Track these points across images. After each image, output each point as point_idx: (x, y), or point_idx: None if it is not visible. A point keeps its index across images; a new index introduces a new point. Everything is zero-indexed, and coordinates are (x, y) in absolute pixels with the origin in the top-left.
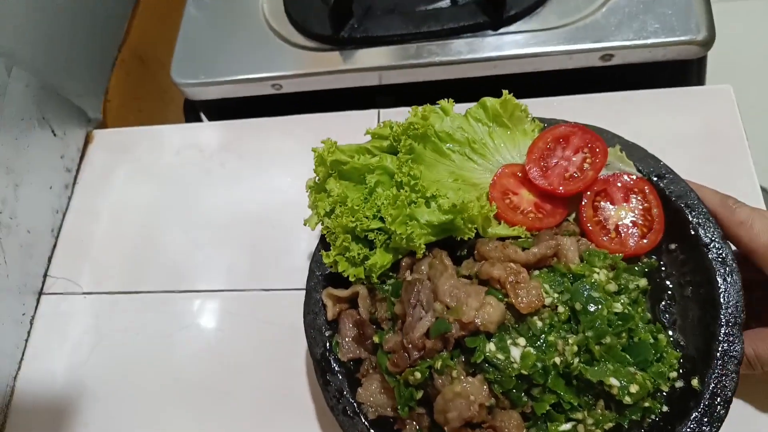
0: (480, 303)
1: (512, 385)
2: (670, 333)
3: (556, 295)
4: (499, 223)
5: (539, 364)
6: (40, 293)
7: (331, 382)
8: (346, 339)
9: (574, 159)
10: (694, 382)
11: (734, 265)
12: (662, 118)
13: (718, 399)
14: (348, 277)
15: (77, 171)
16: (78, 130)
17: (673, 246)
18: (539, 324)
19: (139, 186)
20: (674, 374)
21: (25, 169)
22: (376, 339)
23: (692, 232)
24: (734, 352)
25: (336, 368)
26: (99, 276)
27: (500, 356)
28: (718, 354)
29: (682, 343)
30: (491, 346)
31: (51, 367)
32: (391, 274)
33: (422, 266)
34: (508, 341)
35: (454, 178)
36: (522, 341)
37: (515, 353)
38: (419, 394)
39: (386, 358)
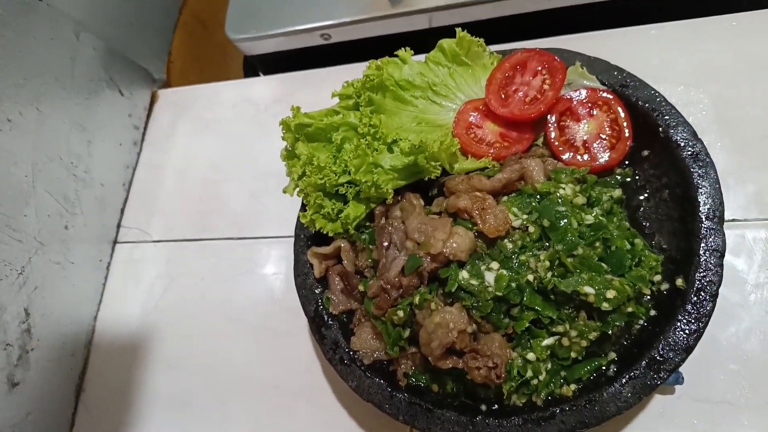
0: (447, 234)
1: (490, 309)
2: (656, 238)
3: (525, 216)
4: (467, 158)
5: (513, 284)
6: (115, 242)
7: (326, 336)
8: (336, 293)
9: (533, 82)
10: (679, 281)
11: (708, 159)
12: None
13: (703, 294)
14: (327, 233)
15: (145, 128)
16: (144, 90)
17: (645, 152)
18: (510, 246)
19: (201, 141)
20: (658, 277)
21: (97, 127)
22: (361, 287)
23: (663, 135)
24: (716, 246)
25: (329, 322)
26: (167, 225)
27: (474, 282)
28: (701, 250)
29: (664, 246)
30: (464, 274)
31: (126, 308)
32: (368, 224)
33: (395, 211)
34: (482, 267)
35: (418, 122)
36: (495, 265)
37: (489, 277)
38: (407, 333)
39: (372, 303)
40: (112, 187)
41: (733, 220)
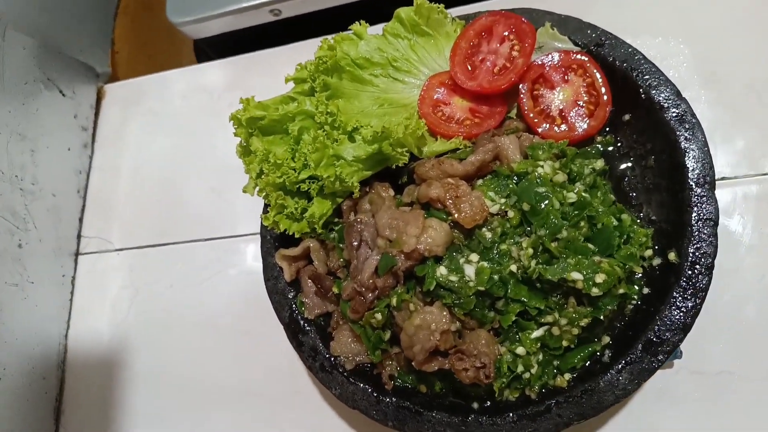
0: (420, 228)
1: (473, 304)
2: (644, 210)
3: (503, 201)
4: (436, 140)
5: (496, 277)
6: (77, 254)
7: (303, 343)
8: (309, 296)
9: (501, 50)
10: (671, 255)
11: (694, 120)
12: None
13: (698, 267)
14: (293, 234)
15: (94, 129)
16: (88, 87)
17: (627, 117)
18: (489, 235)
19: (154, 137)
20: (649, 252)
21: (39, 134)
22: (335, 289)
23: (644, 97)
24: (708, 214)
25: (306, 327)
26: (128, 232)
27: (453, 278)
28: (693, 220)
29: (653, 218)
30: (442, 270)
31: (97, 323)
32: (336, 220)
33: (364, 204)
34: (461, 260)
35: (380, 103)
36: (474, 257)
37: (469, 271)
38: (387, 335)
39: (348, 306)
40: (65, 195)
41: (722, 179)
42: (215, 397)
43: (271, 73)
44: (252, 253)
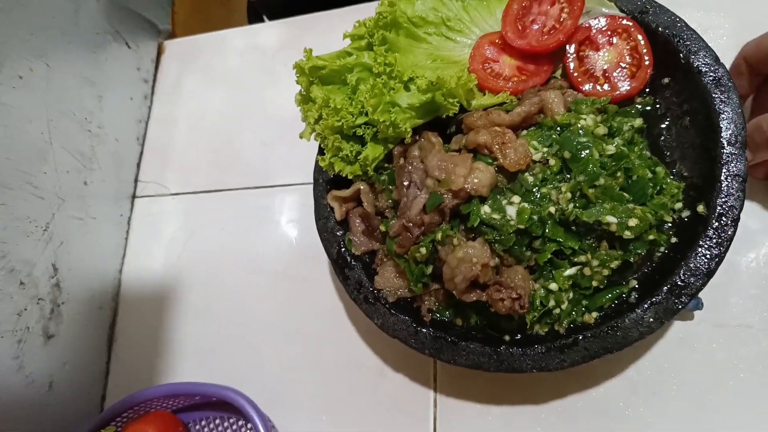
0: (468, 170)
1: (512, 242)
2: (678, 166)
3: (545, 149)
4: (484, 94)
5: (535, 217)
6: (134, 197)
7: (349, 277)
8: (357, 234)
9: (551, 12)
10: (700, 208)
11: (730, 84)
12: None
13: (725, 219)
14: (346, 176)
15: (154, 81)
16: (150, 42)
17: (666, 80)
18: (530, 179)
19: (210, 92)
20: (679, 204)
21: (107, 82)
22: (382, 228)
23: (683, 61)
24: (738, 171)
25: (352, 263)
26: (184, 178)
27: (496, 216)
28: (722, 175)
29: (686, 173)
30: (486, 209)
31: (150, 261)
32: (386, 165)
33: (414, 151)
34: (503, 201)
35: (433, 59)
36: (516, 199)
37: (511, 211)
38: (429, 270)
39: (394, 242)
40: (126, 142)
41: None
42: (260, 333)
43: (324, 35)
44: (298, 202)
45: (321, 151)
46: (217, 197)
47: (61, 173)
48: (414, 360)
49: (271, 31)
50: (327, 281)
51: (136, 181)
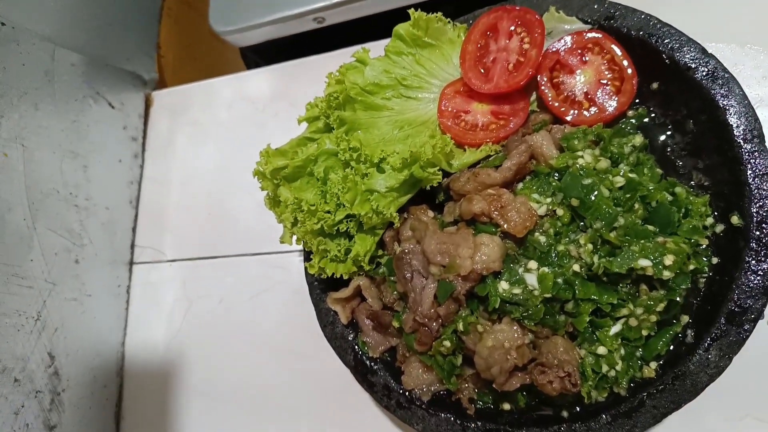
0: (472, 248)
1: (542, 313)
2: (695, 176)
3: (548, 200)
4: (465, 151)
5: (560, 280)
6: (131, 263)
7: (375, 383)
8: (370, 334)
9: (511, 45)
10: (735, 219)
11: (727, 74)
12: None
13: (766, 226)
14: (342, 276)
15: (144, 138)
16: (136, 96)
17: (655, 85)
18: (543, 239)
19: (202, 148)
20: (710, 220)
21: (91, 149)
22: (395, 323)
23: (668, 61)
24: (764, 169)
25: (374, 367)
26: (179, 243)
27: (516, 290)
28: (748, 177)
29: (706, 183)
30: (504, 285)
31: (152, 332)
32: (381, 252)
33: (406, 231)
34: (520, 270)
35: (399, 126)
36: (533, 264)
37: (531, 280)
38: (459, 359)
39: (412, 338)
40: (118, 208)
41: None
42: (267, 413)
43: (313, 82)
44: (299, 270)
45: (307, 256)
46: (214, 264)
47: (49, 257)
48: None
49: (261, 78)
50: (334, 357)
51: (132, 246)
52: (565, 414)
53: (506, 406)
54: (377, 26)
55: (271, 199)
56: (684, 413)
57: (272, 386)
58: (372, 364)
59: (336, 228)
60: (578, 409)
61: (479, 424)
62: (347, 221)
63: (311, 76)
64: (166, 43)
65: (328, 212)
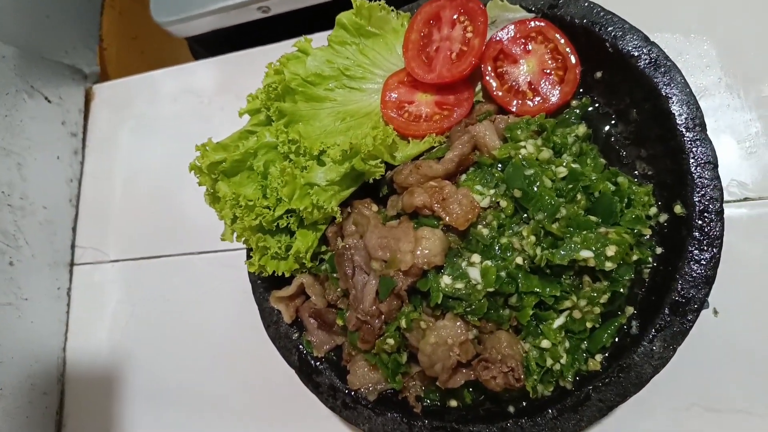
0: (413, 242)
1: (485, 308)
2: (638, 166)
3: (491, 192)
4: (408, 142)
5: (503, 273)
6: (72, 264)
7: (320, 383)
8: (314, 333)
9: (454, 35)
10: (677, 208)
11: (669, 63)
12: None
13: (707, 215)
14: (284, 273)
15: (84, 133)
16: (76, 90)
17: (599, 74)
18: (486, 232)
19: (146, 143)
20: (654, 210)
21: (25, 146)
22: (339, 321)
23: (611, 50)
24: (705, 157)
25: (318, 366)
26: (123, 242)
27: (459, 285)
28: (691, 166)
29: (650, 172)
30: (446, 280)
31: (94, 335)
32: (324, 248)
33: (349, 226)
34: (463, 264)
35: (341, 118)
36: (476, 258)
37: (474, 274)
38: (404, 357)
39: (356, 336)
40: (57, 207)
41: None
42: (214, 411)
43: (262, 73)
44: (245, 268)
45: (248, 254)
46: (159, 264)
47: None
48: None
49: (206, 70)
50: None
51: (73, 247)
52: (511, 409)
53: (453, 403)
54: (328, 17)
55: (210, 195)
56: (631, 404)
57: (220, 388)
58: (317, 363)
59: (276, 224)
60: (525, 404)
61: (426, 422)
62: (287, 217)
63: (257, 68)
64: (108, 36)
65: (268, 207)
